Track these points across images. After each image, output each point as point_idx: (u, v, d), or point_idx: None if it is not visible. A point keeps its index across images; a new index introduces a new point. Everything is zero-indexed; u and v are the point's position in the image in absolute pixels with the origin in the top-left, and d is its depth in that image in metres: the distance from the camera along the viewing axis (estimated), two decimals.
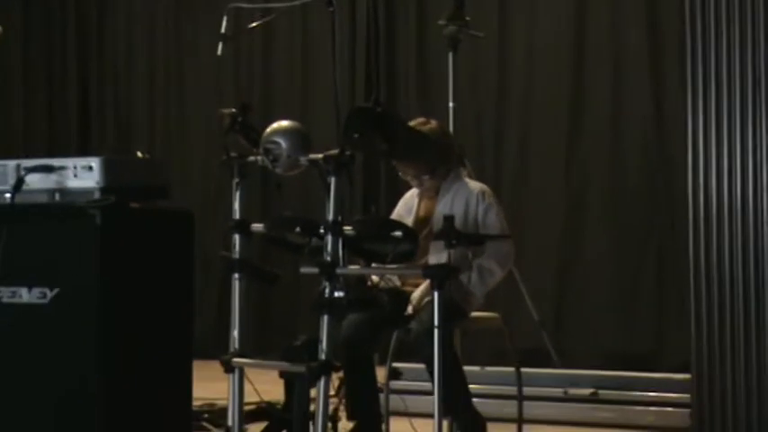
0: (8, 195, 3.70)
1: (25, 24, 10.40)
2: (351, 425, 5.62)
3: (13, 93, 10.39)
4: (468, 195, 5.58)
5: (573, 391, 6.91)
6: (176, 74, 10.42)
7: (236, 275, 5.42)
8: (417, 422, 5.43)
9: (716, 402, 4.35)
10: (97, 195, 3.60)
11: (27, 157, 3.87)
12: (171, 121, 10.41)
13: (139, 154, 4.97)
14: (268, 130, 5.28)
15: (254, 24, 6.42)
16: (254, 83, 10.00)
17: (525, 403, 6.01)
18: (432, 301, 4.99)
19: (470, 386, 5.52)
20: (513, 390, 5.99)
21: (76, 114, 10.69)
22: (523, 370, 6.00)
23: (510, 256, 5.62)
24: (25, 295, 3.64)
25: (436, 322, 4.96)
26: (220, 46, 5.75)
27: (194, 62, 10.16)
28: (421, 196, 5.75)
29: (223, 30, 5.74)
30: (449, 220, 5.06)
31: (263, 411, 5.53)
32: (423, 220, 5.59)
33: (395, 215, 5.81)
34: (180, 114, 10.37)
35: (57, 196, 3.69)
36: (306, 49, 9.78)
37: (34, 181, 3.72)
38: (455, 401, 5.22)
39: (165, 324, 3.71)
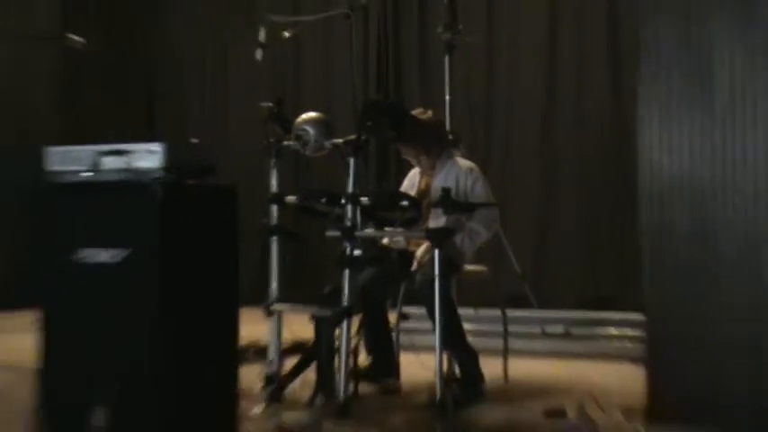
0: (88, 174, 3.70)
1: (98, 34, 10.35)
2: (368, 358, 5.63)
3: (93, 91, 10.38)
4: (458, 171, 5.58)
5: (549, 329, 6.91)
6: (222, 75, 10.43)
7: (274, 238, 5.45)
8: (422, 355, 5.43)
9: (666, 335, 4.35)
10: (159, 174, 3.58)
11: (103, 143, 3.86)
12: (218, 113, 10.42)
13: (193, 140, 4.98)
14: (298, 119, 5.28)
15: (286, 34, 6.39)
16: (287, 81, 9.99)
17: (509, 339, 6.02)
18: (432, 258, 5.00)
19: (464, 325, 5.51)
20: (499, 328, 6.00)
21: (144, 109, 10.71)
22: (508, 312, 6.01)
23: (495, 220, 5.62)
24: (103, 255, 3.63)
25: (436, 274, 4.97)
26: (259, 52, 5.75)
27: (237, 65, 10.18)
28: (421, 173, 5.74)
29: (261, 39, 5.73)
30: (446, 191, 5.06)
31: (296, 348, 5.54)
32: (423, 192, 5.58)
33: (404, 184, 5.82)
34: (226, 108, 10.38)
35: (126, 175, 3.67)
36: (328, 53, 9.77)
37: (108, 162, 3.70)
38: (452, 338, 5.22)
39: (215, 278, 3.70)
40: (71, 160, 3.79)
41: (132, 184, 3.60)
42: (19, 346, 6.75)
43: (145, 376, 3.44)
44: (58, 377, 3.71)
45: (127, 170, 3.65)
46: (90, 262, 3.62)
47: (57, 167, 3.84)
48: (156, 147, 3.61)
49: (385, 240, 5.56)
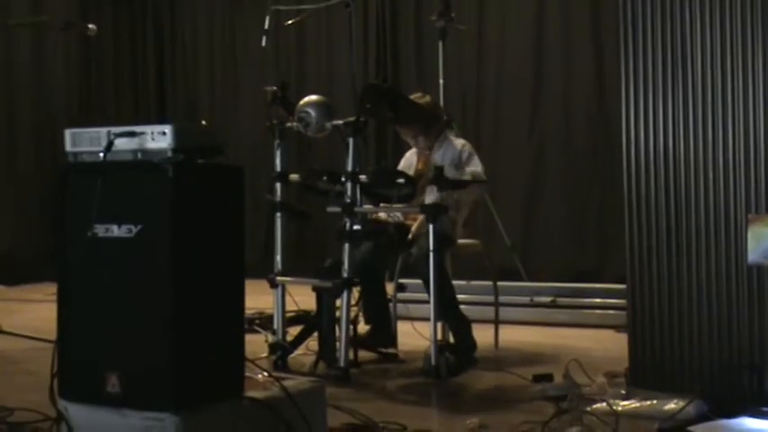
0: (101, 155, 3.68)
1: (113, 22, 10.35)
2: (367, 327, 5.64)
3: (106, 75, 10.37)
4: (453, 149, 5.58)
5: (537, 299, 6.92)
6: (231, 60, 10.40)
7: (278, 214, 5.45)
8: (418, 324, 5.45)
9: (645, 304, 4.36)
10: (169, 154, 3.56)
11: (116, 124, 3.84)
12: (227, 95, 10.40)
13: (203, 121, 4.99)
14: (301, 102, 5.27)
15: (289, 22, 6.39)
16: (291, 66, 9.96)
17: (500, 309, 6.03)
18: (427, 232, 5.01)
19: (458, 296, 5.53)
20: (490, 298, 6.01)
21: (155, 90, 10.70)
22: (499, 283, 6.02)
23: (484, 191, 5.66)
24: (116, 230, 3.61)
25: (431, 248, 4.98)
26: (264, 39, 5.74)
27: (244, 50, 10.15)
28: (418, 153, 5.74)
29: (266, 26, 5.72)
30: (438, 169, 5.07)
31: (300, 317, 5.55)
32: (421, 172, 5.58)
33: (401, 163, 5.82)
34: (233, 90, 10.35)
35: (138, 155, 3.66)
36: (329, 39, 9.75)
37: (121, 143, 3.68)
38: (446, 308, 5.24)
39: (223, 251, 3.70)
40: (87, 141, 3.77)
41: (144, 163, 3.59)
42: (40, 317, 6.79)
43: (156, 343, 3.44)
44: (75, 346, 3.70)
45: (139, 150, 3.64)
46: (104, 236, 3.61)
47: (73, 148, 3.83)
48: (167, 128, 3.59)
49: (382, 215, 5.56)
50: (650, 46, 4.33)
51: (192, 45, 10.62)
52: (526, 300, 6.89)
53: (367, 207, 5.30)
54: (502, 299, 6.07)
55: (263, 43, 5.72)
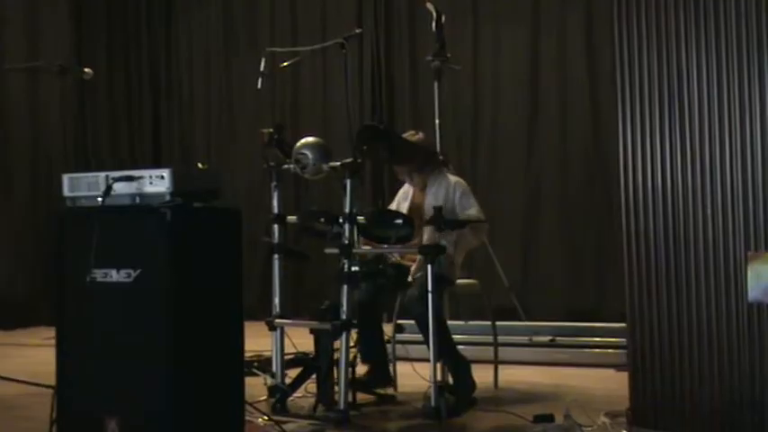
0: (100, 199, 3.70)
1: (108, 64, 10.38)
2: (365, 368, 5.63)
3: (102, 118, 10.40)
4: (447, 186, 5.58)
5: (536, 339, 6.91)
6: (227, 102, 10.40)
7: (276, 256, 5.45)
8: (417, 365, 5.44)
9: (645, 342, 4.36)
10: (168, 198, 3.59)
11: (114, 169, 3.86)
12: (222, 138, 10.40)
13: (199, 165, 5.00)
14: (297, 144, 5.30)
15: (285, 64, 6.41)
16: (286, 108, 9.99)
17: (499, 348, 6.02)
18: (425, 272, 5.02)
19: (457, 336, 5.52)
20: (489, 338, 6.00)
21: (151, 135, 10.70)
22: (497, 323, 6.01)
23: (483, 230, 5.65)
24: (114, 275, 3.64)
25: (430, 288, 4.98)
26: (260, 81, 5.76)
27: (240, 93, 10.17)
28: (414, 189, 5.75)
29: (262, 68, 5.75)
30: (438, 210, 5.08)
31: (298, 360, 5.53)
32: (417, 207, 5.59)
33: (394, 203, 5.82)
34: (229, 133, 10.35)
35: (137, 199, 3.68)
36: (325, 81, 9.78)
37: (120, 188, 3.71)
38: (443, 349, 5.22)
39: (220, 294, 3.71)
40: (85, 186, 3.80)
41: (143, 207, 3.62)
42: (38, 361, 6.76)
43: (156, 388, 3.45)
44: (74, 391, 3.71)
45: (137, 194, 3.66)
46: (103, 281, 3.63)
47: (71, 193, 3.85)
48: (165, 172, 3.62)
49: (395, 257, 5.57)
50: (646, 81, 4.36)
51: (188, 87, 10.65)
52: (525, 339, 6.88)
53: (365, 248, 5.31)
54: (501, 339, 6.06)
55: (259, 85, 5.75)
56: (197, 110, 10.58)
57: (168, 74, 10.73)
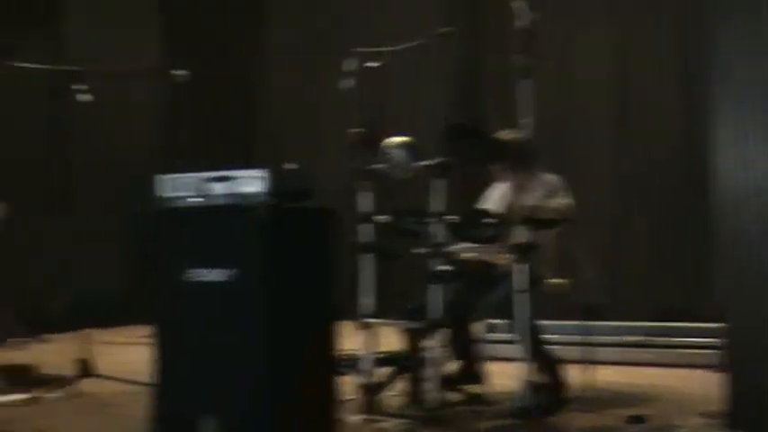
0: (195, 199, 3.76)
1: (200, 67, 10.45)
2: (456, 366, 5.63)
3: (194, 119, 10.53)
4: (542, 184, 5.56)
5: (626, 338, 6.83)
6: (315, 102, 10.46)
7: (366, 256, 5.47)
8: (507, 365, 5.42)
9: (743, 343, 4.28)
10: (263, 198, 3.63)
11: (204, 170, 3.91)
12: (310, 138, 10.46)
13: (288, 165, 5.04)
14: (386, 143, 5.31)
15: (372, 64, 6.42)
16: (374, 108, 9.97)
17: (589, 348, 5.96)
18: (516, 271, 4.99)
19: (547, 336, 5.48)
20: (579, 338, 5.95)
21: (241, 136, 10.81)
22: (587, 322, 5.96)
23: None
24: (209, 275, 3.68)
25: (521, 287, 4.95)
26: (346, 81, 5.79)
27: (328, 93, 10.16)
28: (509, 188, 5.74)
29: (349, 68, 5.77)
30: (531, 208, 5.06)
31: (389, 359, 5.55)
32: (512, 206, 5.58)
33: (485, 201, 5.81)
34: (319, 133, 10.40)
35: (232, 199, 3.73)
36: (414, 81, 9.76)
37: (215, 188, 3.76)
38: (534, 348, 5.18)
39: (314, 293, 3.74)
40: (180, 187, 3.86)
41: (238, 207, 3.66)
42: (132, 359, 6.88)
43: (251, 387, 3.48)
44: (170, 390, 3.76)
45: (232, 195, 3.70)
46: (199, 281, 3.68)
47: (167, 194, 3.91)
48: (260, 173, 3.65)
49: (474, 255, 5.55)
50: (742, 81, 4.28)
51: (278, 88, 10.73)
52: (615, 339, 6.81)
53: (455, 247, 5.30)
54: (591, 338, 6.00)
55: (346, 86, 5.77)
56: (286, 110, 10.66)
57: (258, 75, 10.82)
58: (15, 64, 7.26)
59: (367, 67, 6.50)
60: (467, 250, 5.43)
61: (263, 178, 3.63)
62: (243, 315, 3.57)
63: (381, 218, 5.44)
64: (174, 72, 7.08)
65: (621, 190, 8.79)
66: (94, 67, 8.65)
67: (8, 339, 7.90)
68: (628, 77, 8.80)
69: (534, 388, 5.10)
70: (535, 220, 5.05)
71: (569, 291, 5.88)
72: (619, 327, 7.06)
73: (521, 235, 5.24)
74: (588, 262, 7.42)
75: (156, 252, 3.83)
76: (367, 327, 5.37)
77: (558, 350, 5.65)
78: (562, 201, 5.46)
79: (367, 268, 5.47)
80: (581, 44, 9.02)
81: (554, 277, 5.72)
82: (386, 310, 5.68)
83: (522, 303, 4.95)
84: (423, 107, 9.48)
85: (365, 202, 5.47)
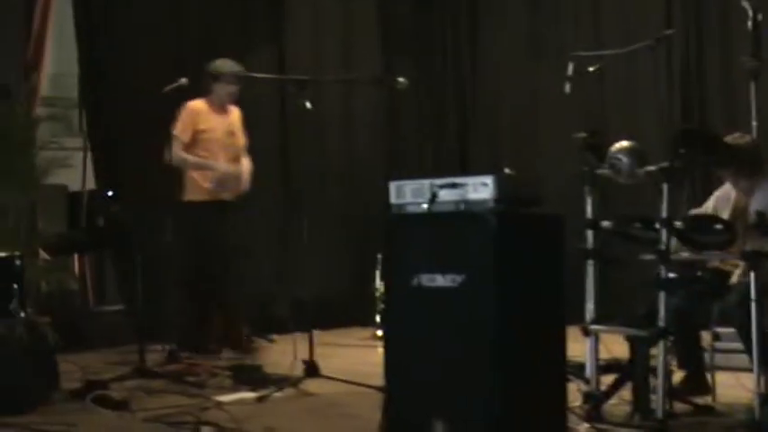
0: (425, 206, 3.80)
1: (416, 74, 10.58)
2: (682, 376, 5.49)
3: (411, 126, 10.70)
4: None
5: None
6: (532, 107, 10.36)
7: (590, 262, 5.40)
8: (739, 375, 5.24)
9: None
10: (492, 205, 3.64)
11: (425, 176, 3.96)
12: (528, 143, 10.37)
13: (506, 170, 5.03)
14: (612, 148, 5.23)
15: (592, 68, 6.34)
16: (594, 113, 9.83)
17: None
18: (748, 280, 4.83)
19: None
20: None
21: (457, 141, 10.86)
22: None
23: None
24: (440, 280, 3.73)
25: (752, 296, 4.79)
26: (567, 85, 5.74)
27: (545, 97, 10.08)
28: (737, 193, 5.56)
29: (569, 73, 5.73)
30: (761, 214, 4.89)
31: (613, 366, 5.46)
32: (741, 212, 5.40)
33: (709, 207, 5.66)
34: (536, 138, 10.31)
35: (461, 206, 3.75)
36: (632, 83, 9.56)
37: (444, 194, 3.80)
38: (765, 358, 5.00)
39: (543, 300, 3.73)
40: (410, 193, 3.91)
41: (467, 214, 3.68)
42: (356, 361, 7.03)
43: (482, 391, 3.49)
44: (400, 392, 3.82)
45: (462, 201, 3.73)
46: (429, 286, 3.72)
47: (397, 200, 3.97)
48: (489, 179, 3.67)
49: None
50: None
51: (493, 93, 10.69)
52: None
53: (683, 255, 5.17)
54: None
55: (567, 90, 5.72)
56: (503, 116, 10.62)
57: (473, 80, 10.84)
58: (250, 74, 7.59)
59: (587, 71, 6.42)
60: (695, 257, 5.29)
61: (491, 185, 3.64)
62: (473, 320, 3.59)
63: (607, 223, 5.36)
64: (394, 79, 7.19)
65: None
66: (320, 76, 8.92)
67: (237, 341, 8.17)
68: None
69: (765, 400, 4.92)
70: (767, 227, 4.86)
71: None
72: None
73: (752, 242, 5.07)
74: None
75: (389, 257, 3.90)
76: (590, 333, 5.30)
77: None
78: None
79: (591, 274, 5.40)
80: None
81: None
82: (611, 316, 5.59)
83: (753, 312, 4.78)
84: (644, 112, 9.27)
85: (590, 207, 5.40)
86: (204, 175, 7.62)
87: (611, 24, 9.77)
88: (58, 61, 9.22)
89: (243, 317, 7.83)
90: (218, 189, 7.60)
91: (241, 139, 7.81)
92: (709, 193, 6.00)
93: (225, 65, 7.68)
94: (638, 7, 9.57)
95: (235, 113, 7.86)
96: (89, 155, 8.74)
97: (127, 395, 5.76)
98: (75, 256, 8.86)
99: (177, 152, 7.40)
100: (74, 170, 8.67)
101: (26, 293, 6.05)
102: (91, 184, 8.74)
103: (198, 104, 7.67)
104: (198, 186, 7.63)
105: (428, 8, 10.86)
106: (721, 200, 5.61)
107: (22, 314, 5.61)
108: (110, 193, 8.39)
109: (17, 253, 5.89)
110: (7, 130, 8.04)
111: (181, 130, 7.56)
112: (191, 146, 7.60)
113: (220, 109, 7.76)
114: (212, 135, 7.67)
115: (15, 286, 5.60)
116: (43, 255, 8.41)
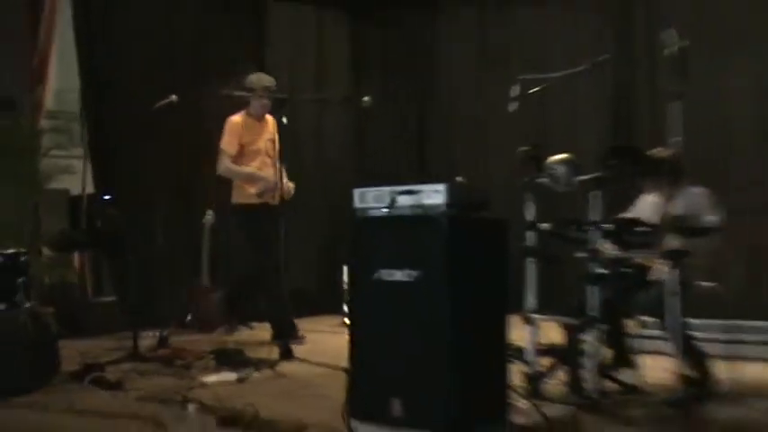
0: (386, 210, 3.84)
1: (381, 95, 10.60)
2: (610, 356, 5.56)
3: (378, 141, 10.72)
4: (691, 197, 5.46)
5: None
6: (482, 123, 10.40)
7: (531, 259, 5.46)
8: (658, 358, 5.32)
9: None
10: (444, 209, 3.69)
11: (386, 184, 4.01)
12: (479, 154, 10.42)
13: (458, 179, 5.09)
14: (550, 159, 5.30)
15: (534, 90, 6.40)
16: (537, 129, 9.89)
17: (738, 346, 5.79)
18: (667, 275, 4.91)
19: (697, 333, 5.36)
20: (728, 336, 5.79)
21: (416, 150, 10.89)
22: (736, 321, 5.79)
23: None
24: (398, 274, 3.77)
25: (672, 290, 4.87)
26: (512, 105, 5.81)
27: (495, 114, 10.08)
28: (662, 200, 5.65)
29: (515, 93, 5.79)
30: (679, 218, 4.97)
31: (551, 351, 5.52)
32: (665, 217, 5.49)
33: (636, 209, 5.74)
34: (485, 151, 10.37)
35: (417, 210, 3.80)
36: (573, 104, 9.63)
37: (402, 200, 3.84)
38: (684, 344, 5.09)
39: (490, 292, 3.78)
40: (373, 198, 3.95)
41: (422, 217, 3.73)
42: (327, 347, 7.06)
43: (436, 373, 3.54)
44: (364, 373, 3.86)
45: (418, 206, 3.78)
46: (388, 280, 3.76)
47: (361, 205, 4.01)
48: (441, 186, 3.72)
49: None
50: None
51: (449, 109, 10.70)
52: (764, 337, 6.57)
53: (611, 252, 5.25)
54: (740, 336, 5.82)
55: (511, 109, 5.80)
56: (456, 128, 10.65)
57: (432, 95, 10.86)
58: (229, 93, 7.53)
59: (531, 92, 6.47)
60: (622, 255, 5.37)
61: (443, 191, 3.70)
62: (428, 310, 3.64)
63: (545, 226, 5.42)
64: (359, 98, 7.23)
65: None
66: (296, 95, 8.93)
67: (219, 327, 8.20)
68: None
69: (685, 381, 5.01)
70: (685, 229, 4.95)
71: (720, 293, 5.73)
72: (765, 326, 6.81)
73: (672, 242, 5.16)
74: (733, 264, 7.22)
75: (354, 254, 3.94)
76: (531, 321, 5.37)
77: (709, 347, 5.50)
78: (706, 214, 5.33)
79: (531, 270, 5.46)
80: (727, 67, 8.71)
81: (705, 280, 5.59)
82: (548, 307, 5.65)
83: (672, 305, 4.87)
84: (581, 128, 9.35)
85: (531, 211, 5.46)
86: (251, 183, 7.51)
87: (554, 48, 9.81)
88: (62, 77, 9.17)
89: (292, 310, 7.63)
90: (263, 197, 7.45)
91: (278, 146, 7.56)
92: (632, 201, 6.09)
93: (260, 80, 7.58)
94: (580, 34, 9.62)
95: (271, 122, 7.67)
96: (89, 163, 8.70)
97: (121, 376, 5.77)
98: (76, 253, 8.84)
99: (227, 164, 7.36)
100: (75, 176, 8.64)
101: (31, 286, 6.07)
102: (90, 188, 8.70)
103: (239, 118, 7.55)
104: (246, 192, 7.51)
105: (395, 26, 10.86)
106: (648, 205, 5.71)
107: (27, 305, 5.60)
108: (107, 197, 8.35)
109: (23, 250, 5.88)
110: (12, 139, 8.01)
111: (227, 143, 7.44)
112: (237, 157, 7.48)
113: (259, 120, 7.64)
114: (256, 146, 7.54)
115: (21, 280, 5.58)
116: (46, 252, 8.40)
